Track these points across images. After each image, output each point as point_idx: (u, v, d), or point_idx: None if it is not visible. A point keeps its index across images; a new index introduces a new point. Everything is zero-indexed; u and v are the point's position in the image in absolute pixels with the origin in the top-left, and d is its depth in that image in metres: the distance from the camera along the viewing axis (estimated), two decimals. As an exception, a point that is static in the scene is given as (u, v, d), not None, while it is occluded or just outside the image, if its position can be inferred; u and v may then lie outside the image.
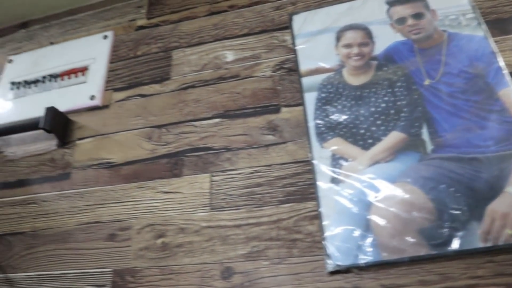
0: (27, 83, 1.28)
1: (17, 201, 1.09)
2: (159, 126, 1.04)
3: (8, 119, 1.21)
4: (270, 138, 0.93)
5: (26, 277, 0.97)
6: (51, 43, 1.36)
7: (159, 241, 0.90)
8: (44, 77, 1.27)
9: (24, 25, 1.47)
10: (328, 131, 0.89)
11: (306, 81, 0.97)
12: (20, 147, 1.17)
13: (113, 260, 0.91)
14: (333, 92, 0.94)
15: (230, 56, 1.08)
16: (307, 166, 0.88)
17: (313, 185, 0.85)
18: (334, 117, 0.90)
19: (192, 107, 1.04)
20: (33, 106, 1.22)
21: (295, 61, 1.00)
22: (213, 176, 0.93)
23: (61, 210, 1.02)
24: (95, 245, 0.95)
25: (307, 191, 0.85)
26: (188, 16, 1.21)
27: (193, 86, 1.07)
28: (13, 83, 1.31)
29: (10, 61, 1.37)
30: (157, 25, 1.23)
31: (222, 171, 0.93)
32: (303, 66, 0.99)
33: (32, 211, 1.05)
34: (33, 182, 1.10)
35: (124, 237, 0.93)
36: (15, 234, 1.04)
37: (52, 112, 1.09)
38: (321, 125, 0.90)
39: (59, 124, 1.12)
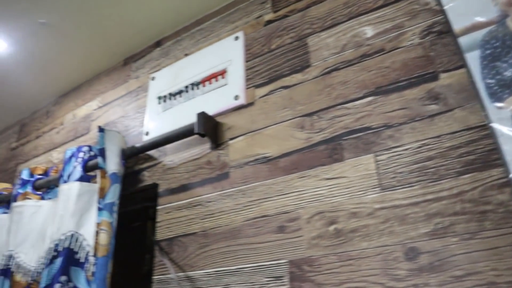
0: (172, 95, 1.37)
1: (183, 205, 1.16)
2: (309, 114, 1.03)
3: (162, 131, 1.30)
4: (433, 107, 0.87)
5: (204, 274, 1.02)
6: (186, 55, 1.43)
7: (332, 228, 0.88)
8: (186, 86, 1.34)
9: (158, 43, 1.57)
10: (503, 89, 0.80)
11: (463, 40, 0.88)
12: (177, 154, 1.25)
13: (287, 251, 0.92)
14: (500, 47, 0.84)
15: (369, 31, 1.03)
16: (483, 131, 0.80)
17: (495, 150, 0.77)
18: (508, 73, 0.81)
19: (340, 90, 1.01)
20: (181, 115, 1.30)
21: (445, 22, 0.92)
22: (377, 155, 0.89)
23: (226, 209, 1.06)
24: (266, 238, 0.96)
25: (489, 158, 0.77)
26: (315, 1, 1.18)
27: (336, 69, 1.04)
28: (159, 98, 1.40)
29: (153, 78, 1.48)
30: (285, 16, 1.23)
31: (387, 150, 0.88)
32: (457, 25, 0.90)
33: (199, 212, 1.11)
34: (194, 185, 1.16)
35: (294, 227, 0.93)
36: (187, 235, 1.10)
37: (203, 117, 1.15)
38: (493, 84, 0.81)
39: (210, 128, 1.17)
